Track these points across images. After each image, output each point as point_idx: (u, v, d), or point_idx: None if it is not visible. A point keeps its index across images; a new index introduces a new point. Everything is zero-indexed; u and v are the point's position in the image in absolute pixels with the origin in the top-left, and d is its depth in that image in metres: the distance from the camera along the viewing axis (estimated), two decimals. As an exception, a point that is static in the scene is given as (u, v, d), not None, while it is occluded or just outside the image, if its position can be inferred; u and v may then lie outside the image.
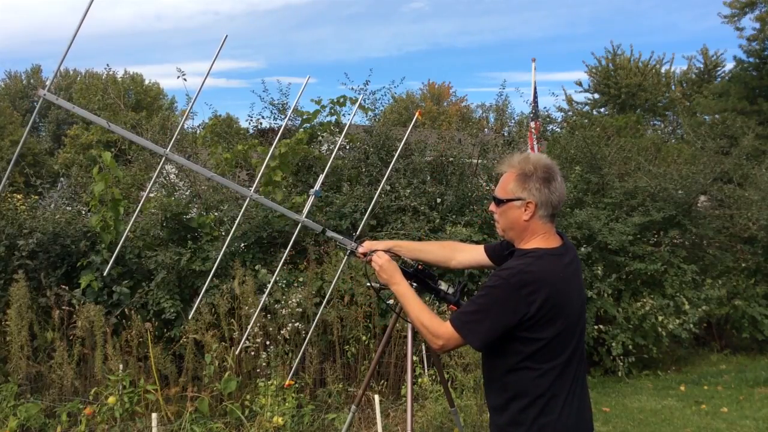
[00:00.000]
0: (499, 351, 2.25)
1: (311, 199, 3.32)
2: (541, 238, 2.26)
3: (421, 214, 6.56)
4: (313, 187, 3.41)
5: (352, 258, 3.00)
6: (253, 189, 3.40)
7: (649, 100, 29.00)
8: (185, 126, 8.52)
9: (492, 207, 2.35)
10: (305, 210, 3.26)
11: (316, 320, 3.99)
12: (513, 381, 2.23)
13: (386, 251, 2.71)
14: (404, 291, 2.46)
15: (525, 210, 2.24)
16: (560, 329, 2.17)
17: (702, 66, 29.36)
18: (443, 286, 2.91)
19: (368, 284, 3.45)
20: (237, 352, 5.04)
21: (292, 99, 8.44)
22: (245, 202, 3.74)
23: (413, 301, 2.38)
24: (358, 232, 3.35)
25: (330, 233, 3.17)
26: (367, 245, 2.80)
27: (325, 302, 4.38)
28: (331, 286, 4.15)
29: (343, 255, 5.64)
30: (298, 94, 3.82)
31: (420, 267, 3.07)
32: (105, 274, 4.94)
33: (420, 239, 6.17)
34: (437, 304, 5.00)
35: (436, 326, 2.26)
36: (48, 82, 3.15)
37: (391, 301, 3.23)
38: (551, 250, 2.25)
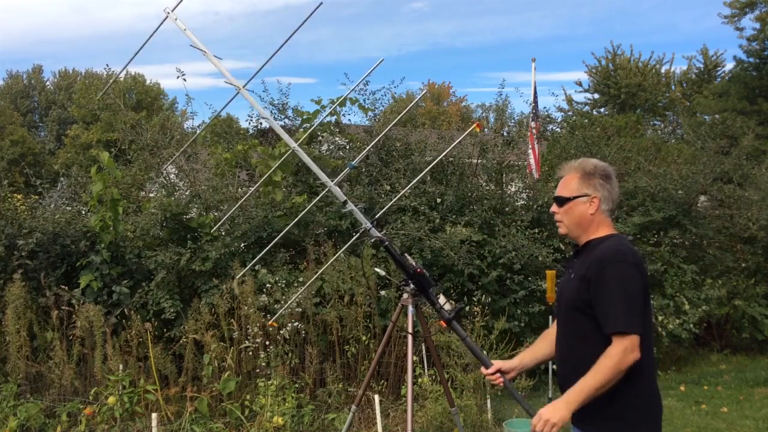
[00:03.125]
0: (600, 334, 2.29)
1: (346, 171, 3.93)
2: (609, 228, 2.46)
3: (421, 214, 6.55)
4: (319, 183, 3.50)
5: (369, 241, 3.05)
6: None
7: (649, 100, 28.95)
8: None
9: (554, 208, 2.51)
10: (337, 179, 3.54)
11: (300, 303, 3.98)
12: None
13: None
14: (584, 390, 2.24)
15: (590, 204, 2.44)
16: None
17: (702, 66, 29.31)
18: (441, 299, 2.92)
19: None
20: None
21: (293, 99, 8.44)
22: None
23: (592, 383, 2.22)
24: (369, 222, 3.28)
25: (350, 206, 3.20)
26: (499, 365, 2.73)
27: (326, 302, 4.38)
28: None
29: (343, 256, 5.63)
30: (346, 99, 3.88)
31: (419, 271, 3.06)
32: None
33: (420, 239, 6.17)
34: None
35: (616, 356, 2.19)
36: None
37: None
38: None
